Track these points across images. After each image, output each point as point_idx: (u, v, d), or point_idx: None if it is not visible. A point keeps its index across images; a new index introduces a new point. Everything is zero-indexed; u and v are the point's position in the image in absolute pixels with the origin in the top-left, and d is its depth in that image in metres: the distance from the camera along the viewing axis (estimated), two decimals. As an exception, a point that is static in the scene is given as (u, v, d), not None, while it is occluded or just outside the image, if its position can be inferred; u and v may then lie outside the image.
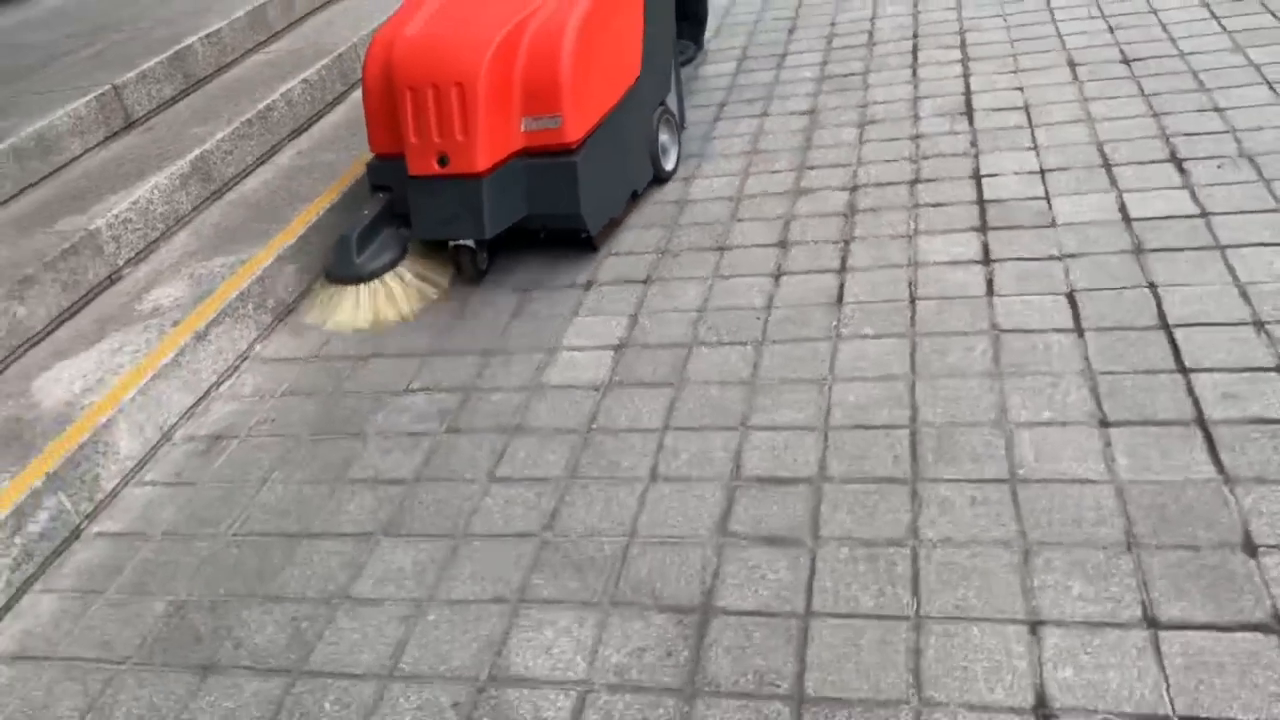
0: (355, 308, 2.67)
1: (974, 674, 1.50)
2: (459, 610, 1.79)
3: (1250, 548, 1.60)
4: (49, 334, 2.60)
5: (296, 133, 3.62)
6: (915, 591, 1.65)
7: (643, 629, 1.68)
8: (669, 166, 3.11)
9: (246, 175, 3.35)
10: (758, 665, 1.58)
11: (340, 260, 2.69)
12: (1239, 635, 1.48)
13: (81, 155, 3.29)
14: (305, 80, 3.70)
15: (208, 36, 3.86)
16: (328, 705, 1.66)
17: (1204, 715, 1.38)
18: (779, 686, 1.54)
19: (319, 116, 3.74)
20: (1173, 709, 1.40)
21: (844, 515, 1.82)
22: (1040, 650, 1.51)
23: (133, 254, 2.88)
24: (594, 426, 2.17)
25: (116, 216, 2.83)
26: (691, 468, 2.00)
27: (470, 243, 2.68)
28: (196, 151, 3.15)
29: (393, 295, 2.69)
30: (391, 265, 2.71)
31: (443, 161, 2.56)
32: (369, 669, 1.71)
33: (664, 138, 3.09)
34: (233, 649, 1.80)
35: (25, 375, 2.44)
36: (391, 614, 1.81)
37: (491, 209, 2.58)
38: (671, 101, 3.21)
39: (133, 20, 4.33)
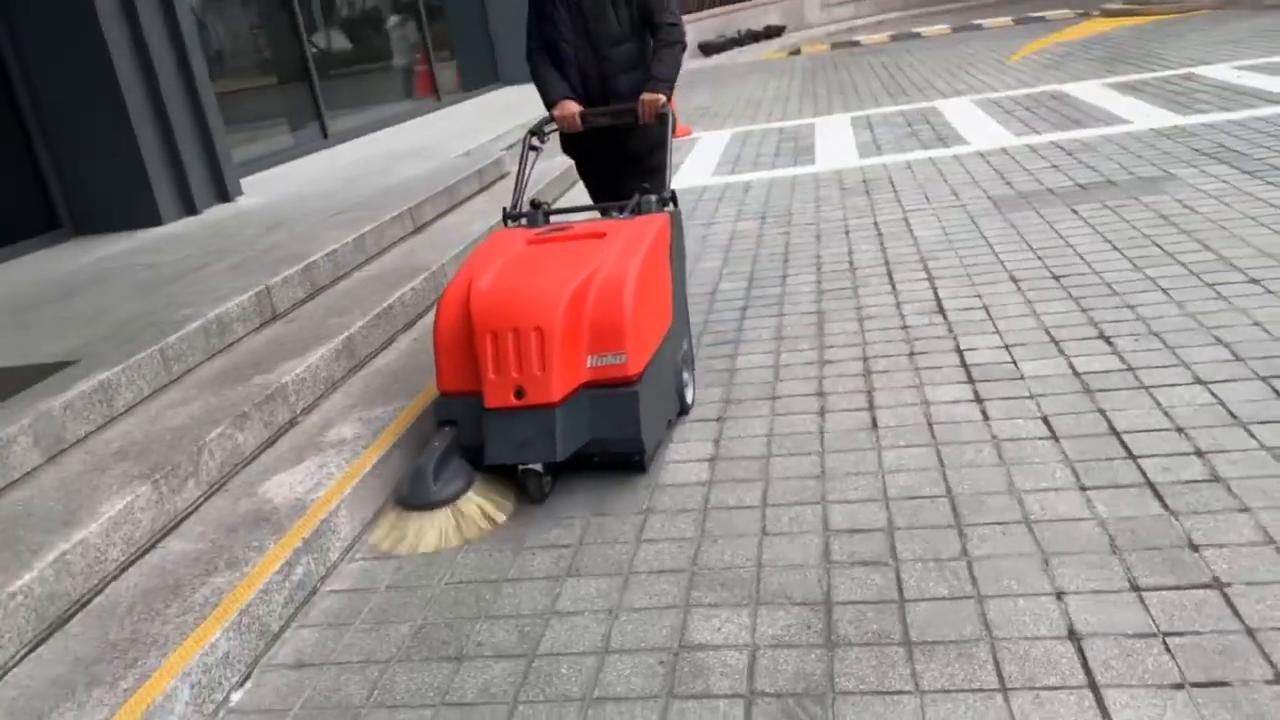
0: (432, 531, 2.90)
1: (1025, 621, 2.22)
2: (643, 614, 2.45)
3: (1194, 547, 2.39)
4: (255, 459, 3.28)
5: (408, 325, 4.47)
6: (975, 583, 2.38)
7: (785, 615, 2.36)
8: (689, 399, 3.55)
9: (376, 355, 4.15)
10: (874, 628, 2.27)
11: (417, 489, 2.92)
12: (1193, 590, 2.24)
13: (244, 337, 4.08)
14: (412, 288, 4.60)
15: (327, 255, 4.78)
16: (564, 670, 2.29)
17: (1176, 630, 2.12)
18: (892, 638, 2.23)
19: (421, 315, 4.61)
20: (1158, 629, 2.13)
21: (914, 546, 2.56)
22: (1066, 606, 2.24)
23: (305, 405, 3.61)
24: (709, 506, 2.91)
25: (296, 376, 3.58)
26: (792, 526, 2.74)
27: (538, 467, 2.96)
28: (344, 335, 3.96)
29: (466, 518, 2.93)
30: (463, 491, 2.96)
31: (519, 394, 2.90)
32: (588, 649, 2.35)
33: (685, 375, 3.53)
34: (475, 645, 2.42)
35: (249, 484, 3.10)
36: (592, 620, 2.46)
37: (563, 434, 2.90)
38: (685, 345, 3.63)
39: (246, 245, 5.25)
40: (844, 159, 7.97)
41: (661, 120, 3.78)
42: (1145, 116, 7.59)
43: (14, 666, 2.29)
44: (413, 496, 2.93)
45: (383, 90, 11.82)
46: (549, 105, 3.84)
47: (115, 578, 2.62)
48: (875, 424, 3.28)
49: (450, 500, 2.93)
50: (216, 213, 6.61)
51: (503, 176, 7.46)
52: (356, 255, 5.08)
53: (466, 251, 5.29)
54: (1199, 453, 2.79)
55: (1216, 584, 2.24)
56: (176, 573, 2.63)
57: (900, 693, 2.06)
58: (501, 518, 2.98)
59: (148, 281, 4.69)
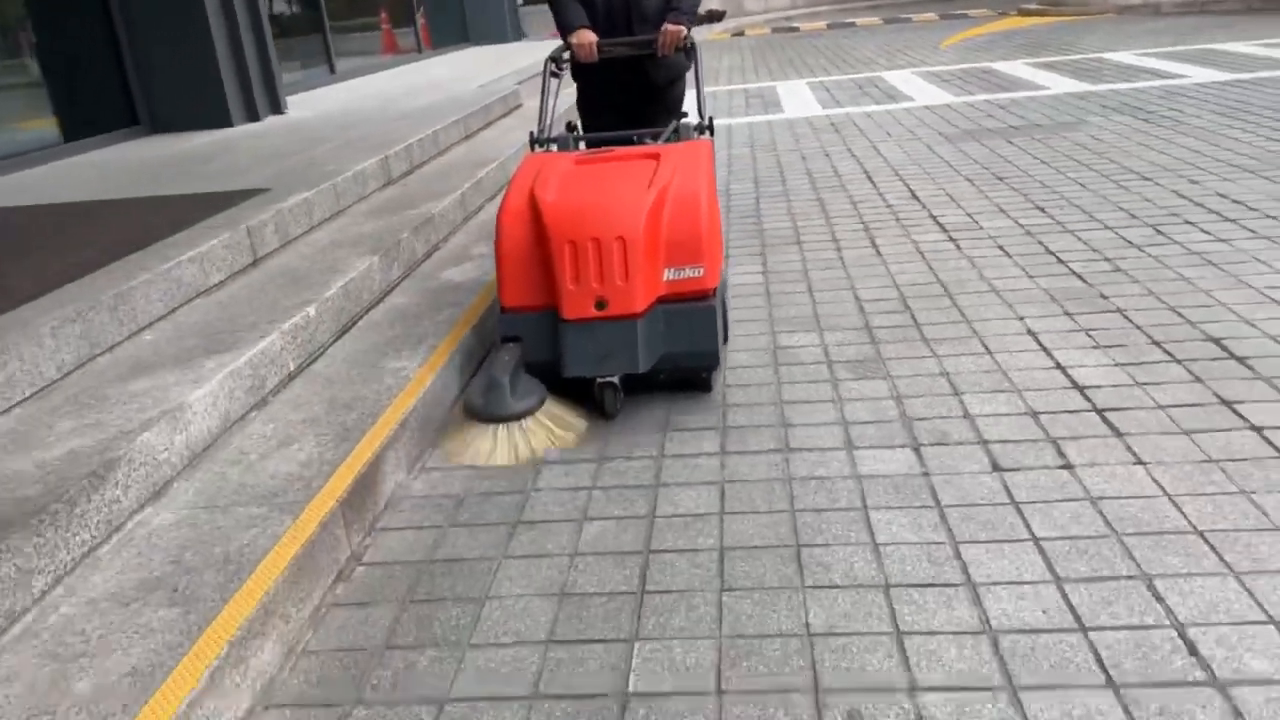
0: (511, 443, 2.84)
1: (999, 328, 3.46)
2: (741, 337, 3.62)
3: (1104, 297, 3.67)
4: (423, 262, 4.36)
5: (491, 197, 5.56)
6: (963, 315, 3.62)
7: (840, 333, 3.56)
8: (728, 324, 3.59)
9: (478, 211, 5.24)
10: (901, 335, 3.49)
11: (495, 401, 2.85)
12: (1104, 314, 3.52)
13: (375, 191, 5.11)
14: (489, 170, 5.68)
15: (417, 141, 5.82)
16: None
17: (1094, 328, 3.39)
18: (915, 337, 3.45)
19: (499, 190, 5.70)
20: (1082, 328, 3.40)
21: (920, 303, 3.79)
22: (1024, 323, 3.50)
23: (442, 237, 4.69)
24: (770, 293, 4.10)
25: (438, 213, 4.65)
26: (834, 299, 3.94)
27: (616, 380, 2.93)
28: (459, 191, 5.04)
29: (545, 431, 2.89)
30: (539, 406, 2.91)
31: (600, 305, 2.87)
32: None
33: (727, 298, 3.58)
34: (635, 351, 3.57)
35: (429, 275, 4.18)
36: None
37: (644, 346, 2.91)
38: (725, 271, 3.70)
39: (334, 137, 6.22)
40: (809, 109, 9.25)
41: (685, 53, 3.80)
42: (1062, 85, 9.05)
43: (329, 347, 3.35)
44: (490, 408, 2.86)
45: (375, 41, 12.70)
46: (566, 33, 3.74)
47: (366, 313, 3.69)
48: (880, 253, 4.52)
49: (529, 413, 2.88)
50: (275, 121, 7.53)
51: (519, 106, 8.52)
52: (431, 149, 6.11)
53: (517, 155, 6.36)
54: (1106, 259, 4.10)
55: (1118, 310, 3.53)
56: (409, 310, 3.70)
57: (924, 357, 3.29)
58: (578, 429, 2.96)
59: (271, 153, 5.66)
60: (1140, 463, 2.48)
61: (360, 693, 1.91)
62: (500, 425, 2.85)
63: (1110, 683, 1.75)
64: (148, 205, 4.31)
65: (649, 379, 3.04)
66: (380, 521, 2.52)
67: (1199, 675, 1.75)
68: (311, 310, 3.25)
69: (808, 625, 1.99)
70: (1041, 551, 2.16)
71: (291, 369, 3.09)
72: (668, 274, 2.95)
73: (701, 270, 2.96)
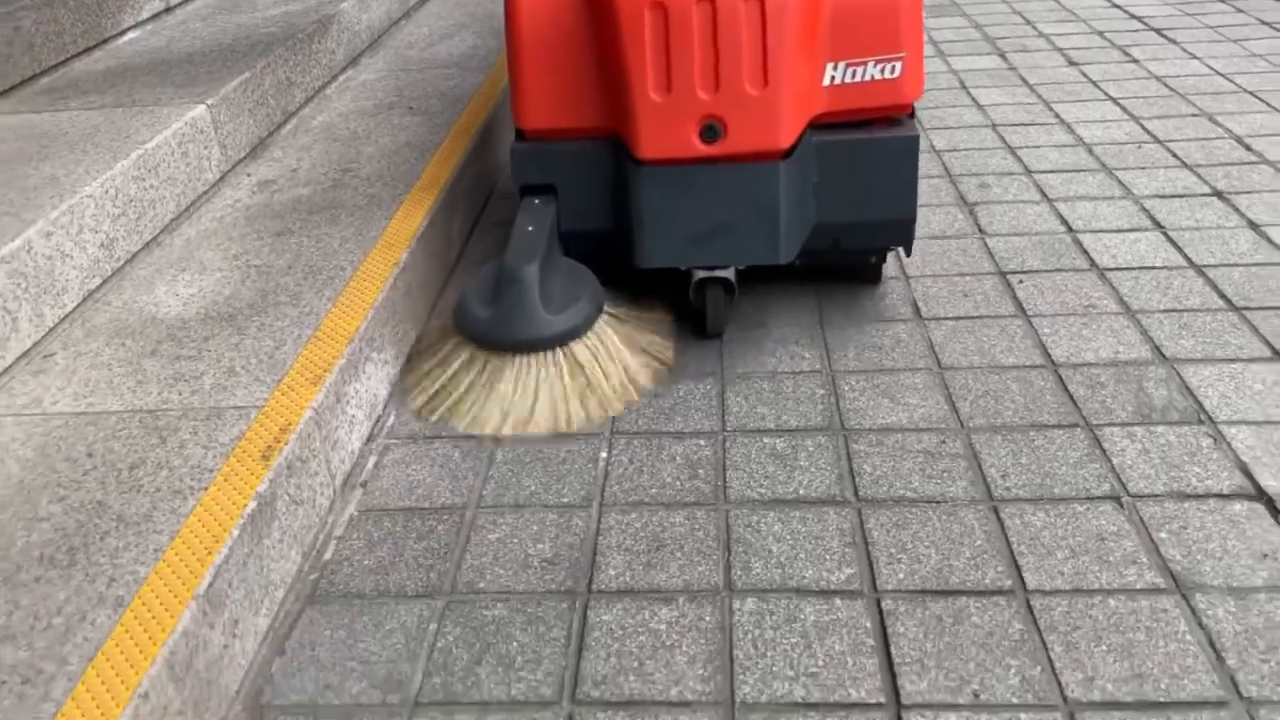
0: (544, 393, 1.56)
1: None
2: None
3: (1029, 22, 3.99)
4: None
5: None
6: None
7: None
8: None
9: None
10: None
11: (514, 314, 1.55)
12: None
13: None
14: None
15: None
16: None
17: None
18: (999, 0, 3.78)
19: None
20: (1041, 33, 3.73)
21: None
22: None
23: None
24: None
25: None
26: None
27: (730, 275, 1.66)
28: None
29: (601, 368, 1.60)
30: (593, 320, 1.61)
31: (710, 134, 1.57)
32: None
33: None
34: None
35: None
36: None
37: (788, 213, 1.62)
38: None
39: None
40: None
41: None
42: None
43: (438, 45, 3.62)
44: (505, 327, 1.56)
45: None
46: None
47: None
48: None
49: (576, 335, 1.58)
50: None
51: None
52: None
53: None
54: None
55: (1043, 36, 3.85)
56: None
57: (995, 1, 3.62)
58: (657, 364, 1.69)
59: None
60: (1195, 57, 2.89)
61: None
62: (525, 357, 1.56)
63: (1184, 165, 2.22)
64: None
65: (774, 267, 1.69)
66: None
67: (1252, 158, 2.22)
68: (432, -54, 3.50)
69: (933, 145, 2.43)
70: (1117, 104, 2.59)
71: (423, -6, 3.38)
72: (832, 73, 1.59)
73: (898, 67, 1.59)
